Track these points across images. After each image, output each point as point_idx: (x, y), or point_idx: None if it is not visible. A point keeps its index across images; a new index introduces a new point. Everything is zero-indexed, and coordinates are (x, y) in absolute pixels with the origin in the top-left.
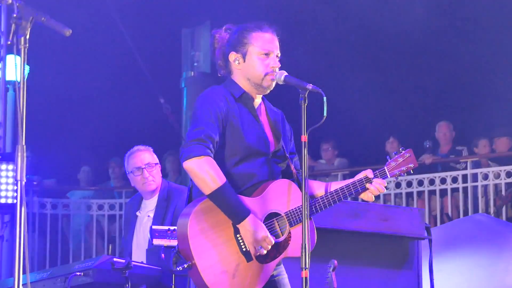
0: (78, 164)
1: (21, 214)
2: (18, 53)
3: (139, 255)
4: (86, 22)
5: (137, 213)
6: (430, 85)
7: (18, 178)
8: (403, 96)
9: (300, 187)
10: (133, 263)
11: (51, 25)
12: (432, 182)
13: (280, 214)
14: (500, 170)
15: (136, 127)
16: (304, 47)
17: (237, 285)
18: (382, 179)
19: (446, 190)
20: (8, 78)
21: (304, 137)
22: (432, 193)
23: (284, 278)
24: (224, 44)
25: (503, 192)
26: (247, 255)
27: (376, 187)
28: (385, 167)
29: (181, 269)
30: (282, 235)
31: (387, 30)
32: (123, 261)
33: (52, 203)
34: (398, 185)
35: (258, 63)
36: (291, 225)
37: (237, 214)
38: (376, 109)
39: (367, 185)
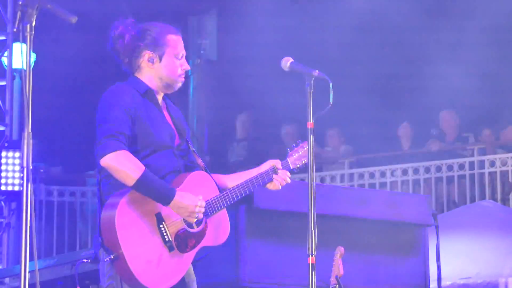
0: (85, 152)
1: (28, 198)
2: (24, 41)
3: None
4: (93, 9)
5: None
6: (437, 71)
7: (24, 164)
8: (408, 82)
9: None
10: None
11: (57, 12)
12: (439, 169)
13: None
14: (507, 157)
15: None
16: (311, 33)
17: (161, 274)
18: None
19: (453, 177)
20: (14, 66)
21: (311, 124)
22: (439, 180)
23: (191, 268)
24: (131, 39)
25: (510, 179)
26: (169, 245)
27: (282, 178)
28: (288, 159)
29: (107, 260)
30: (199, 226)
31: (390, 14)
32: None
33: (58, 191)
34: (405, 172)
35: (173, 65)
36: (207, 216)
37: (165, 195)
38: (382, 97)
39: (274, 176)
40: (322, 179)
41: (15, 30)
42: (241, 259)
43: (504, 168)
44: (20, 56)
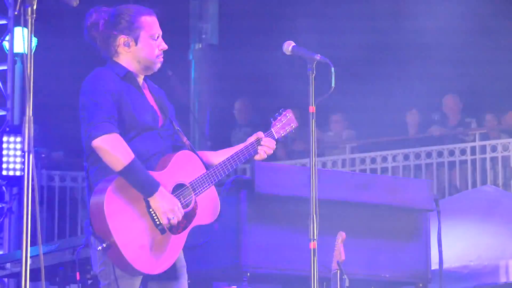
0: None
1: (29, 183)
2: (25, 24)
3: None
4: None
5: None
6: (439, 56)
7: (26, 149)
8: (412, 67)
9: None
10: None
11: None
12: (440, 154)
13: (185, 185)
14: (509, 142)
15: None
16: (313, 18)
17: (155, 258)
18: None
19: (454, 162)
20: (16, 50)
21: (312, 108)
22: (440, 165)
23: (181, 253)
24: (105, 25)
25: (511, 164)
26: (161, 228)
27: (267, 146)
28: (272, 129)
29: (100, 248)
30: (189, 205)
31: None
32: None
33: (60, 176)
34: (406, 157)
35: (149, 46)
36: (196, 194)
37: (148, 188)
38: (383, 81)
39: (259, 147)
40: (324, 164)
41: (16, 13)
42: (242, 245)
43: (505, 153)
44: (22, 40)
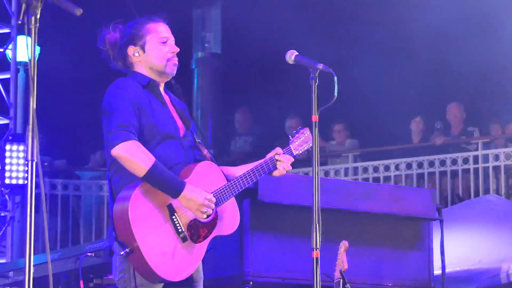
0: (89, 145)
1: (32, 192)
2: (29, 33)
3: None
4: (96, 2)
5: None
6: (442, 66)
7: (29, 158)
8: (415, 76)
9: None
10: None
11: (61, 5)
12: (443, 163)
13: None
14: (511, 151)
15: None
16: (316, 29)
17: (177, 265)
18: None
19: (457, 171)
20: (19, 59)
21: (315, 117)
22: (443, 174)
23: (200, 265)
24: (118, 41)
25: None
26: (182, 236)
27: (285, 163)
28: (290, 145)
29: (123, 253)
30: (210, 216)
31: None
32: None
33: (62, 184)
34: (409, 166)
35: (157, 50)
36: (217, 205)
37: (175, 187)
38: (389, 90)
39: (278, 164)
40: (326, 173)
41: (19, 22)
42: (245, 253)
43: (508, 162)
44: (25, 49)
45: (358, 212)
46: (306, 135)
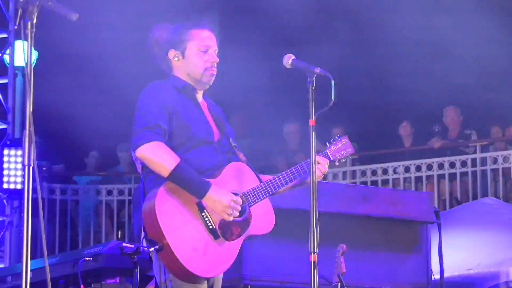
0: (87, 150)
1: (29, 197)
2: (25, 38)
3: None
4: (95, 6)
5: None
6: (439, 68)
7: (26, 163)
8: (411, 79)
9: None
10: (142, 248)
11: (58, 10)
12: (441, 166)
13: (238, 194)
14: (510, 154)
15: None
16: (314, 32)
17: (209, 262)
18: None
19: (455, 174)
20: (16, 63)
21: (312, 121)
22: (441, 177)
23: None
24: (161, 42)
25: None
26: (213, 233)
27: (321, 163)
28: (327, 150)
29: (152, 250)
30: (243, 215)
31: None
32: (132, 246)
33: (61, 189)
34: (407, 169)
35: (197, 58)
36: (250, 205)
37: (199, 188)
38: (382, 93)
39: (315, 166)
40: (324, 177)
41: (16, 27)
42: (243, 257)
43: (506, 165)
44: (22, 53)
45: (356, 216)
46: (344, 142)
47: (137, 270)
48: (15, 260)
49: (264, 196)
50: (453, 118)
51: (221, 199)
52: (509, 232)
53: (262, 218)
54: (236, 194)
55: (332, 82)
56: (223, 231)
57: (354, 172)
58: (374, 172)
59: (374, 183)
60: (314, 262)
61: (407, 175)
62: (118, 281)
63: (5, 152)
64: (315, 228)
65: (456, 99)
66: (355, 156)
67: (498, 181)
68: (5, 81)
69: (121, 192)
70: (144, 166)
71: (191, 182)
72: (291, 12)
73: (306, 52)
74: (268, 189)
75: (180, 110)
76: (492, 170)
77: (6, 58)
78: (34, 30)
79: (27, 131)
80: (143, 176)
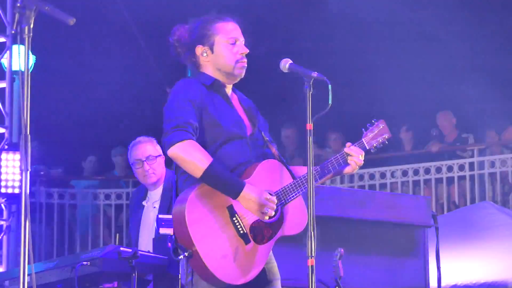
0: (84, 154)
1: (26, 202)
2: (22, 43)
3: (145, 244)
4: (92, 11)
5: (143, 203)
6: (435, 73)
7: (23, 167)
8: (410, 85)
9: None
10: (139, 252)
11: (55, 14)
12: (439, 170)
13: (271, 194)
14: (507, 158)
15: (142, 116)
16: (308, 34)
17: (238, 268)
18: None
19: (453, 178)
20: (14, 68)
21: (310, 125)
22: (439, 181)
23: (274, 266)
24: (186, 40)
25: (510, 180)
26: (245, 237)
27: (356, 156)
28: (363, 139)
29: (182, 257)
30: (275, 215)
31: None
32: (130, 250)
33: (59, 193)
34: (405, 173)
35: (226, 51)
36: (282, 204)
37: (233, 187)
38: (385, 97)
39: (349, 159)
40: None
41: (13, 32)
42: None
43: (504, 169)
44: (19, 58)
45: (353, 220)
46: (381, 127)
47: (135, 274)
48: (13, 264)
49: (298, 194)
50: (446, 122)
51: (256, 198)
52: (506, 236)
53: (294, 217)
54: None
55: (329, 86)
56: (254, 235)
57: (351, 176)
58: (372, 176)
59: (372, 187)
60: (312, 266)
61: (404, 179)
62: (116, 285)
63: (3, 156)
64: (312, 232)
65: (451, 103)
66: None
67: (496, 185)
68: (3, 85)
69: (119, 196)
70: (177, 166)
71: (225, 182)
72: (279, 14)
73: (305, 58)
74: (301, 186)
75: (209, 107)
76: (490, 174)
77: (4, 62)
78: (31, 34)
79: (23, 136)
80: (176, 177)
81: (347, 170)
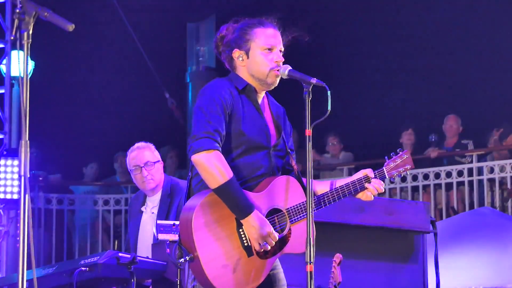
0: (83, 159)
1: (25, 208)
2: (22, 48)
3: (144, 250)
4: (91, 17)
5: (142, 209)
6: (438, 78)
7: (22, 173)
8: (410, 90)
9: (300, 183)
10: (138, 258)
11: (54, 20)
12: (437, 175)
13: (281, 210)
14: (506, 164)
15: (141, 121)
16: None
17: (238, 280)
18: (380, 179)
19: (451, 183)
20: (13, 73)
21: (309, 131)
22: (437, 186)
23: (280, 272)
24: (228, 41)
25: (509, 186)
26: (248, 250)
27: (375, 187)
28: (384, 168)
29: (183, 261)
30: (283, 232)
31: (397, 21)
32: (129, 256)
33: (57, 199)
34: (403, 179)
35: (261, 58)
36: (291, 222)
37: (242, 209)
38: (383, 103)
39: (366, 185)
40: None
41: (12, 38)
42: None
43: (502, 175)
44: (18, 63)
45: (352, 226)
46: (405, 158)
47: (134, 280)
48: (11, 270)
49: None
50: (453, 127)
51: (259, 228)
52: (505, 242)
53: (300, 237)
54: (279, 210)
55: (329, 92)
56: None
57: None
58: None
59: None
60: (311, 272)
61: (403, 184)
62: None
63: (2, 162)
64: (311, 238)
65: (455, 108)
66: (351, 166)
67: (495, 191)
68: (2, 91)
69: (117, 202)
70: (193, 166)
71: (235, 202)
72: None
73: (305, 62)
74: (314, 206)
75: (238, 112)
76: (489, 179)
77: (3, 68)
78: (30, 40)
79: (23, 142)
80: (190, 176)
81: (361, 196)
